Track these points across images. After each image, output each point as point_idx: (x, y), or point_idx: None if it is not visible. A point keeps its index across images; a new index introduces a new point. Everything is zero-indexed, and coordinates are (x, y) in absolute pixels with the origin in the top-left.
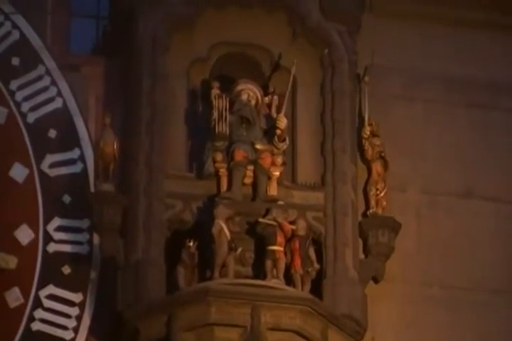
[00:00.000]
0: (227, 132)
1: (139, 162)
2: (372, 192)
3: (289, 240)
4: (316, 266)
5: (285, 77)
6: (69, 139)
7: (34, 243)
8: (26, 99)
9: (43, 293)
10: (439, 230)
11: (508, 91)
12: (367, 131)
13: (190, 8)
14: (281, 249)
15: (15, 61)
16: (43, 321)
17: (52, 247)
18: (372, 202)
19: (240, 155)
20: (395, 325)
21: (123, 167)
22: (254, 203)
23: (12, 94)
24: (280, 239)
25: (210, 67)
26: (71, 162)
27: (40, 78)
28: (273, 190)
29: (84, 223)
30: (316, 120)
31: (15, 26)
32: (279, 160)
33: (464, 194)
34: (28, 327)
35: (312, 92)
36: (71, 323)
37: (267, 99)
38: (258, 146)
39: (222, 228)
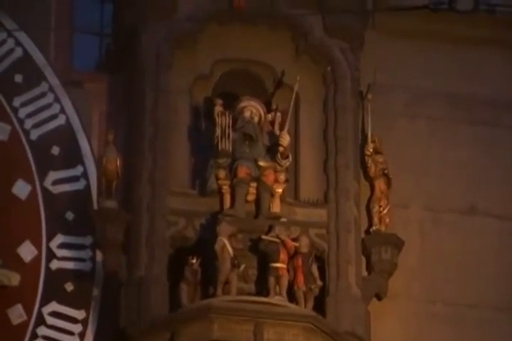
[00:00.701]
0: (230, 149)
1: (141, 179)
2: (375, 209)
3: (291, 257)
4: (319, 283)
5: (288, 94)
6: (72, 156)
7: (37, 260)
8: (29, 115)
9: (46, 310)
10: (443, 247)
11: None
12: (370, 148)
13: (193, 24)
14: (284, 266)
15: (18, 78)
16: (46, 338)
17: (55, 264)
18: (375, 219)
19: (242, 172)
20: None
21: (126, 184)
22: (257, 220)
23: (15, 110)
24: (283, 256)
25: (213, 83)
26: (74, 179)
27: (43, 95)
28: (276, 207)
29: (87, 240)
30: (318, 137)
31: (18, 43)
32: (282, 177)
33: (468, 210)
34: None
35: (315, 109)
36: (74, 340)
37: (269, 116)
38: (261, 163)
39: (225, 245)
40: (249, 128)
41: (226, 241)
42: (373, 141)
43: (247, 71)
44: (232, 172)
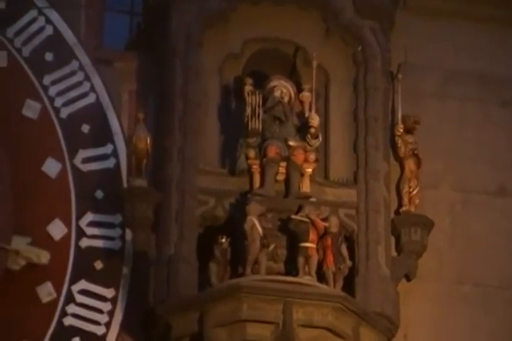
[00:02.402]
0: (260, 128)
1: (171, 157)
2: (405, 190)
3: (321, 237)
4: (349, 263)
5: (318, 73)
6: (102, 134)
7: (67, 238)
8: (59, 94)
9: (76, 288)
10: (472, 228)
11: None
12: (400, 128)
13: (224, 3)
14: (314, 245)
15: (48, 56)
16: (76, 316)
17: (84, 242)
18: (405, 200)
19: (272, 151)
20: (427, 323)
21: (156, 162)
22: (286, 200)
23: (45, 89)
24: (313, 235)
25: (244, 63)
26: (104, 157)
27: (73, 73)
28: (306, 187)
29: (117, 218)
30: (349, 117)
31: (48, 21)
32: (312, 156)
33: (497, 191)
34: (60, 322)
35: (345, 89)
36: (103, 318)
37: (300, 95)
38: (291, 143)
39: (255, 224)
40: (279, 111)
41: (256, 221)
42: (409, 122)
43: (277, 50)
44: (262, 151)
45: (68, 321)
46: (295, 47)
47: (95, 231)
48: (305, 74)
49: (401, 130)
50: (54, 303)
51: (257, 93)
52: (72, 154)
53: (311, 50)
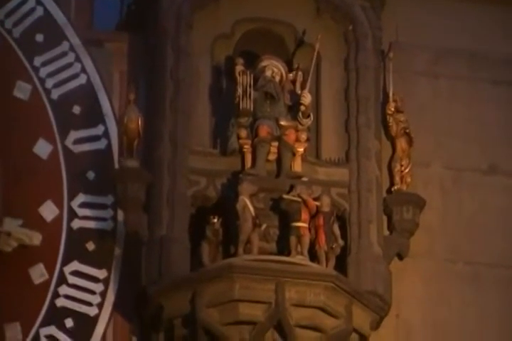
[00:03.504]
0: (252, 108)
1: (163, 138)
2: (396, 169)
3: (313, 216)
4: (341, 242)
5: (309, 53)
6: (93, 115)
7: (58, 219)
8: (50, 75)
9: (68, 270)
10: (464, 206)
11: None
12: (391, 107)
13: None
14: (306, 225)
15: (39, 37)
16: (68, 297)
17: (76, 223)
18: (397, 179)
19: (264, 131)
20: (420, 302)
21: (147, 143)
22: (278, 179)
23: (36, 70)
24: (304, 215)
25: (234, 43)
26: (95, 138)
27: (64, 54)
28: (297, 166)
29: (109, 199)
30: (340, 96)
31: (39, 2)
32: (304, 136)
33: (489, 169)
34: (52, 303)
35: (336, 68)
36: (95, 299)
37: (291, 75)
38: (282, 122)
39: (247, 204)
40: (271, 88)
41: (247, 201)
42: (395, 100)
43: (268, 30)
44: (254, 131)
45: (60, 302)
46: (286, 27)
47: (87, 212)
48: (297, 53)
49: (392, 109)
50: (46, 284)
51: (248, 73)
52: (64, 135)
53: (301, 30)
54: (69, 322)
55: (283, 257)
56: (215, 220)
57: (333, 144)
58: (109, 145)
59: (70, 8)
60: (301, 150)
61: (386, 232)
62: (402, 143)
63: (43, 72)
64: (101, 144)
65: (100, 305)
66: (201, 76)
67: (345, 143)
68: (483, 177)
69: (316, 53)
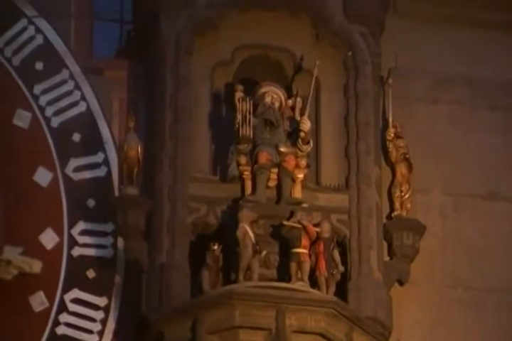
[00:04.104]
0: (251, 135)
1: (163, 165)
2: (396, 194)
3: (313, 242)
4: (341, 268)
5: (308, 79)
6: (93, 143)
7: (59, 247)
8: (50, 103)
9: (68, 297)
10: (464, 232)
11: None
12: (391, 132)
13: (213, 11)
14: (306, 251)
15: (39, 65)
16: (68, 325)
17: (76, 251)
18: (397, 204)
19: (264, 157)
20: (420, 328)
21: (147, 170)
22: (278, 206)
23: (36, 98)
24: (305, 241)
25: (234, 70)
26: (95, 166)
27: (64, 82)
28: (297, 193)
29: (109, 227)
30: (340, 122)
31: (38, 30)
32: (303, 162)
33: (488, 196)
34: (53, 331)
35: (336, 95)
36: (96, 327)
37: (290, 101)
38: (282, 149)
39: (247, 231)
40: (270, 114)
41: (248, 227)
42: (394, 126)
43: (267, 57)
44: (253, 158)
45: (61, 330)
46: (285, 54)
47: (87, 239)
48: (296, 80)
49: (392, 134)
50: (47, 312)
51: (248, 99)
52: (64, 163)
53: (300, 56)
54: None
55: (283, 284)
56: (216, 247)
57: (333, 170)
58: (109, 173)
59: (69, 36)
60: (301, 176)
61: (386, 258)
62: (402, 169)
63: (43, 100)
64: (101, 172)
65: (101, 333)
66: (201, 103)
67: (345, 169)
68: (483, 203)
69: (314, 79)
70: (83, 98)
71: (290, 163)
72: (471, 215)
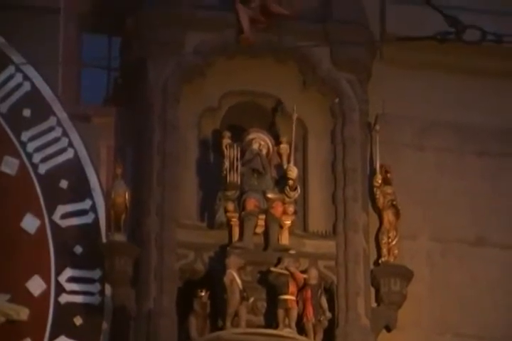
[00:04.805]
0: (239, 182)
1: (150, 212)
2: (384, 241)
3: (300, 289)
4: (328, 314)
5: (296, 126)
6: (80, 190)
7: (46, 294)
8: (38, 149)
9: None
10: (452, 278)
11: None
12: (378, 179)
13: (200, 58)
14: (294, 298)
15: (26, 112)
16: None
17: (64, 298)
18: (384, 251)
19: (251, 204)
20: None
21: (134, 217)
22: (265, 252)
23: (23, 145)
24: (292, 288)
25: (221, 116)
26: (83, 212)
27: (51, 129)
28: (285, 239)
29: (96, 273)
30: (327, 169)
31: (26, 78)
32: (291, 209)
33: (476, 241)
34: None
35: (323, 141)
36: None
37: (277, 148)
38: (269, 195)
39: (234, 277)
40: (257, 163)
41: (235, 274)
42: (382, 173)
43: (254, 103)
44: (241, 204)
45: None
46: (272, 100)
47: (74, 286)
48: (283, 127)
49: (379, 181)
50: None
51: (235, 146)
52: (51, 210)
53: (288, 103)
54: None
55: (271, 330)
56: (203, 293)
57: (320, 217)
58: (96, 220)
59: (57, 83)
60: (289, 222)
61: (374, 304)
62: (389, 216)
63: (31, 146)
64: (88, 218)
65: None
66: (188, 149)
67: (332, 215)
68: (471, 249)
69: (294, 124)
70: (71, 145)
71: (277, 209)
72: (459, 261)
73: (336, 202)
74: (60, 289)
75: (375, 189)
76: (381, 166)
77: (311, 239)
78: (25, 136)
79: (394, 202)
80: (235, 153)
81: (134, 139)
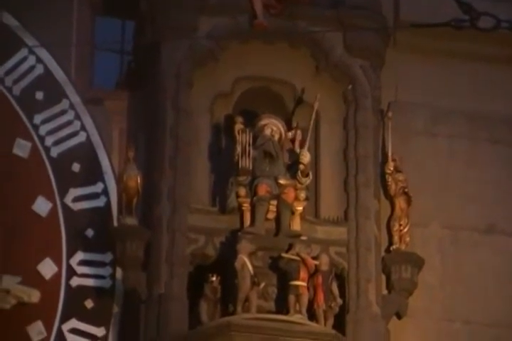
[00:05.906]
0: (251, 167)
1: (162, 196)
2: (395, 228)
3: (311, 275)
4: (339, 301)
5: (308, 111)
6: (92, 173)
7: (57, 277)
8: (50, 133)
9: (66, 327)
10: (462, 265)
11: None
12: (390, 166)
13: (213, 43)
14: (304, 284)
15: (39, 95)
16: None
17: (75, 281)
18: (396, 238)
19: (263, 189)
20: None
21: (146, 201)
22: (277, 238)
23: (36, 128)
24: (303, 274)
25: (234, 101)
26: (94, 196)
27: (64, 112)
28: (296, 225)
29: (107, 257)
30: (339, 155)
31: (39, 60)
32: (303, 195)
33: (487, 229)
34: None
35: (335, 127)
36: None
37: (290, 133)
38: (281, 181)
39: (245, 263)
40: (270, 146)
41: (246, 259)
42: (394, 160)
43: (267, 89)
44: (253, 190)
45: None
46: (285, 86)
47: (86, 270)
48: (296, 113)
49: (391, 168)
50: None
51: (248, 131)
52: (63, 193)
53: (301, 88)
54: None
55: (281, 316)
56: (214, 278)
57: (331, 203)
58: (108, 203)
59: (70, 67)
60: (300, 208)
61: (385, 291)
62: (400, 203)
63: (43, 129)
64: (100, 202)
65: None
66: (201, 134)
67: (344, 202)
68: (482, 237)
69: (314, 112)
70: (83, 128)
71: (289, 195)
72: (469, 249)
73: (348, 189)
74: (71, 272)
75: (387, 176)
76: (392, 154)
77: (323, 225)
78: (37, 118)
79: (406, 190)
80: (247, 138)
81: (147, 123)
